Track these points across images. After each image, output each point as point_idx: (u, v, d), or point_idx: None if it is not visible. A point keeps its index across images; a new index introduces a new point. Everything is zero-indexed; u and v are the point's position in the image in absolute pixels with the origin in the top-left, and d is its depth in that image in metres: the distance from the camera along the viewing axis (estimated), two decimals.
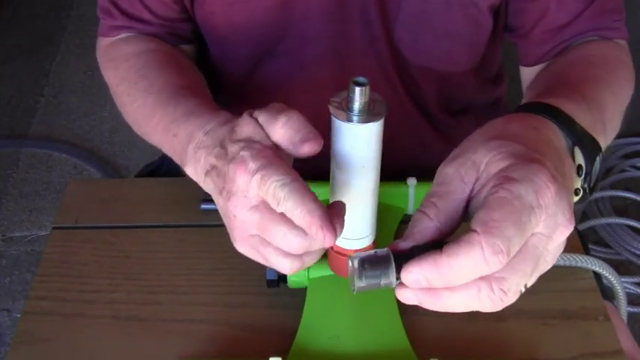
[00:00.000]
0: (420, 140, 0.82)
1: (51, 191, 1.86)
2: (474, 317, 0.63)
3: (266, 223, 0.48)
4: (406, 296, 0.44)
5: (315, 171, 0.61)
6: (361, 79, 0.47)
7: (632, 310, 1.53)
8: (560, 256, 0.64)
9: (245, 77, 0.81)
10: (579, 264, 0.65)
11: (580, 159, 0.52)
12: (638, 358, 0.73)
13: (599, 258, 0.67)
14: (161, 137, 0.64)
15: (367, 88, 0.47)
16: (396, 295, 0.44)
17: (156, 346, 0.61)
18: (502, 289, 0.42)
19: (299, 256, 0.50)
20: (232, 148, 0.49)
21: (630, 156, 1.86)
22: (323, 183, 0.61)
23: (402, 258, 0.43)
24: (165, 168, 0.93)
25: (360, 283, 0.43)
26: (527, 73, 0.80)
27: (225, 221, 0.52)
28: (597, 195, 1.73)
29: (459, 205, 0.45)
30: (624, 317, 0.79)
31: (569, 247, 0.67)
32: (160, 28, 0.78)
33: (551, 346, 0.61)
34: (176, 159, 0.60)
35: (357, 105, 0.48)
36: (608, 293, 0.78)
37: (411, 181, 0.69)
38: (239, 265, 0.67)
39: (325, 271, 0.63)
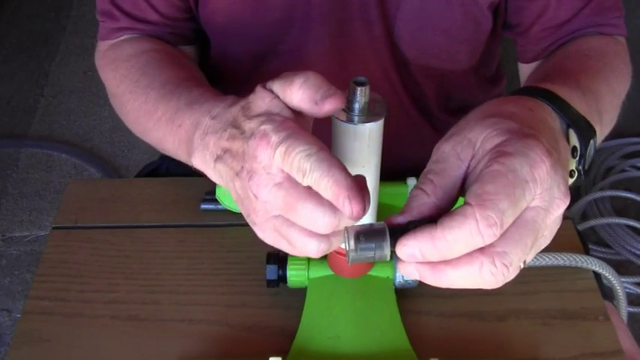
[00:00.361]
0: (420, 140, 0.82)
1: (51, 191, 1.86)
2: (474, 317, 0.63)
3: (291, 201, 0.45)
4: (408, 270, 0.44)
5: None
6: (361, 79, 0.47)
7: (632, 310, 1.53)
8: (560, 256, 0.65)
9: (246, 76, 0.81)
10: (579, 264, 0.65)
11: (575, 141, 0.52)
12: (638, 358, 0.73)
13: (599, 258, 0.67)
14: (165, 130, 0.62)
15: (367, 88, 0.47)
16: (399, 268, 0.44)
17: (156, 346, 0.61)
18: (504, 264, 0.42)
19: (326, 237, 0.46)
20: (250, 125, 0.47)
21: (630, 156, 1.86)
22: None
23: (398, 232, 0.43)
24: (165, 168, 0.93)
25: (354, 255, 0.44)
26: (526, 70, 0.80)
27: (244, 206, 0.49)
28: (597, 195, 1.73)
29: (455, 181, 0.45)
30: (624, 317, 0.79)
31: (569, 247, 0.68)
32: (163, 28, 0.78)
33: (551, 346, 0.61)
34: (182, 152, 0.58)
35: (357, 105, 0.48)
36: (608, 293, 0.78)
37: (411, 181, 0.69)
38: (239, 265, 0.67)
39: (325, 271, 0.63)
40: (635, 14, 2.09)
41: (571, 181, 0.52)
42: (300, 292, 0.63)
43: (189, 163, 0.55)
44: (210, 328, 0.62)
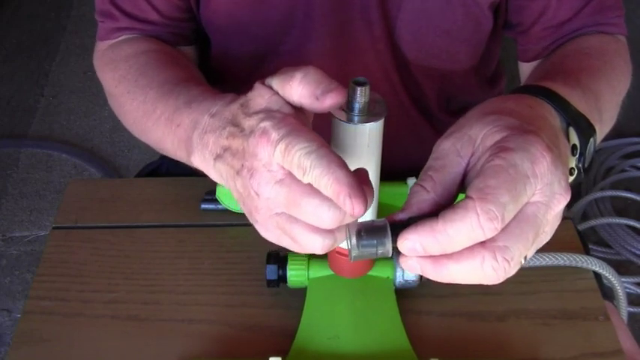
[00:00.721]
0: (420, 140, 0.82)
1: (51, 191, 1.86)
2: (474, 317, 0.63)
3: (294, 197, 0.44)
4: (410, 264, 0.44)
5: None
6: (361, 79, 0.47)
7: (632, 310, 1.53)
8: (560, 256, 0.65)
9: (247, 76, 0.81)
10: (579, 264, 0.65)
11: (574, 139, 0.52)
12: (638, 358, 0.73)
13: (599, 258, 0.67)
14: (164, 130, 0.61)
15: (367, 88, 0.47)
16: (400, 263, 0.44)
17: (156, 346, 0.61)
18: (506, 259, 0.42)
19: (331, 232, 0.45)
20: (249, 122, 0.47)
21: (630, 156, 1.86)
22: None
23: (399, 228, 0.43)
24: (165, 168, 0.93)
25: (357, 252, 0.44)
26: (526, 69, 0.80)
27: (246, 204, 0.48)
28: (597, 195, 1.73)
29: (455, 178, 0.45)
30: (624, 317, 0.79)
31: (570, 247, 0.68)
32: (163, 28, 0.78)
33: (551, 346, 0.61)
34: (181, 152, 0.58)
35: (357, 105, 0.48)
36: (608, 293, 0.78)
37: (411, 181, 0.69)
38: (239, 265, 0.67)
39: (325, 271, 0.63)
40: (636, 14, 2.09)
41: (571, 179, 0.52)
42: (300, 292, 0.63)
43: (189, 163, 0.55)
44: (210, 328, 0.62)
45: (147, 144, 0.69)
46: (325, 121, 0.50)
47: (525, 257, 0.44)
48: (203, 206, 0.72)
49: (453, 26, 0.76)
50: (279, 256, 0.63)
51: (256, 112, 0.47)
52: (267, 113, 0.46)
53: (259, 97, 0.48)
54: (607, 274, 0.67)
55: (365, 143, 0.49)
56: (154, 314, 0.64)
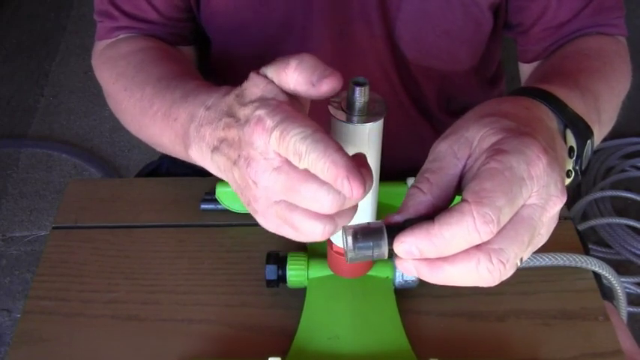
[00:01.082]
0: (420, 140, 0.82)
1: (51, 191, 1.86)
2: (474, 317, 0.63)
3: (293, 183, 0.43)
4: (405, 267, 0.44)
5: None
6: (361, 79, 0.47)
7: (632, 310, 1.53)
8: (560, 256, 0.65)
9: (247, 77, 0.81)
10: (579, 264, 0.65)
11: (572, 141, 0.52)
12: (638, 358, 0.73)
13: (599, 258, 0.67)
14: (161, 125, 0.61)
15: (367, 88, 0.47)
16: (396, 265, 0.44)
17: (156, 346, 0.61)
18: (501, 261, 0.42)
19: (331, 218, 0.45)
20: (244, 111, 0.46)
21: (630, 156, 1.86)
22: None
23: (395, 230, 0.43)
24: (165, 168, 0.93)
25: (353, 254, 0.44)
26: (526, 70, 0.80)
27: (244, 195, 0.48)
28: (597, 195, 1.73)
29: (451, 180, 0.45)
30: (624, 317, 0.79)
31: (570, 247, 0.68)
32: (162, 27, 0.78)
33: (551, 346, 0.61)
34: (179, 147, 0.57)
35: (356, 105, 0.48)
36: (608, 293, 0.78)
37: (411, 181, 0.69)
38: (239, 265, 0.67)
39: (325, 271, 0.63)
40: (636, 14, 2.09)
41: (568, 181, 0.52)
42: (300, 292, 0.63)
43: (187, 158, 0.55)
44: (210, 328, 0.63)
45: (146, 144, 0.69)
46: (324, 119, 0.50)
47: (521, 259, 0.44)
48: (203, 206, 0.72)
49: (453, 27, 0.76)
50: (279, 256, 0.63)
51: (251, 102, 0.46)
52: (262, 101, 0.46)
53: (254, 86, 0.47)
54: (607, 274, 0.67)
55: (364, 143, 0.49)
56: (154, 314, 0.64)
